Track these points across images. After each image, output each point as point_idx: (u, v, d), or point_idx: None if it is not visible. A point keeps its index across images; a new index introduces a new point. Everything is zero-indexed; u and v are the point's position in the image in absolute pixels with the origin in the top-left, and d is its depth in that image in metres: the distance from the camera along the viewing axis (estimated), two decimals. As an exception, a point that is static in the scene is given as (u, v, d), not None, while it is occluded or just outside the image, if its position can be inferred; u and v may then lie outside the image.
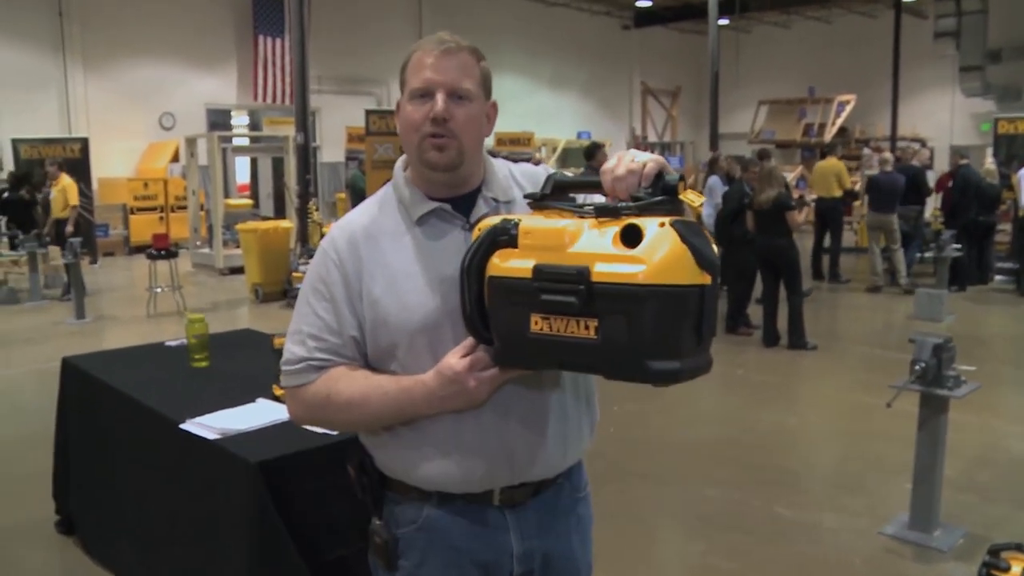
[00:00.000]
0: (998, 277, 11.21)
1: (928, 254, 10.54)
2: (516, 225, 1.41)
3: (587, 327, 1.31)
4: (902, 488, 4.45)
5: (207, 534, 2.85)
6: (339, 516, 2.78)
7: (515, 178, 1.72)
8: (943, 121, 20.42)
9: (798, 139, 19.39)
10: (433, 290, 1.58)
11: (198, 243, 13.86)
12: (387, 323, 1.58)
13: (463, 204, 1.65)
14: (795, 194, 7.97)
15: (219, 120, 18.01)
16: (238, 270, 11.85)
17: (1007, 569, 3.24)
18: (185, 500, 2.98)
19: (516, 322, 1.38)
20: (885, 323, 9.42)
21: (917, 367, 3.74)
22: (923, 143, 17.55)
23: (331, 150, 18.29)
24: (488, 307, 1.43)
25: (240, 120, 19.08)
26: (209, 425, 2.86)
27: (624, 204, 1.35)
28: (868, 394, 6.54)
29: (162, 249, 9.46)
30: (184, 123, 16.38)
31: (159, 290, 9.51)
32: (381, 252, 1.62)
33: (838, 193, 11.50)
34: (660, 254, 1.26)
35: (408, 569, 1.67)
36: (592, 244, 1.32)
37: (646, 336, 1.27)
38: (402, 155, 1.72)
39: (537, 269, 1.35)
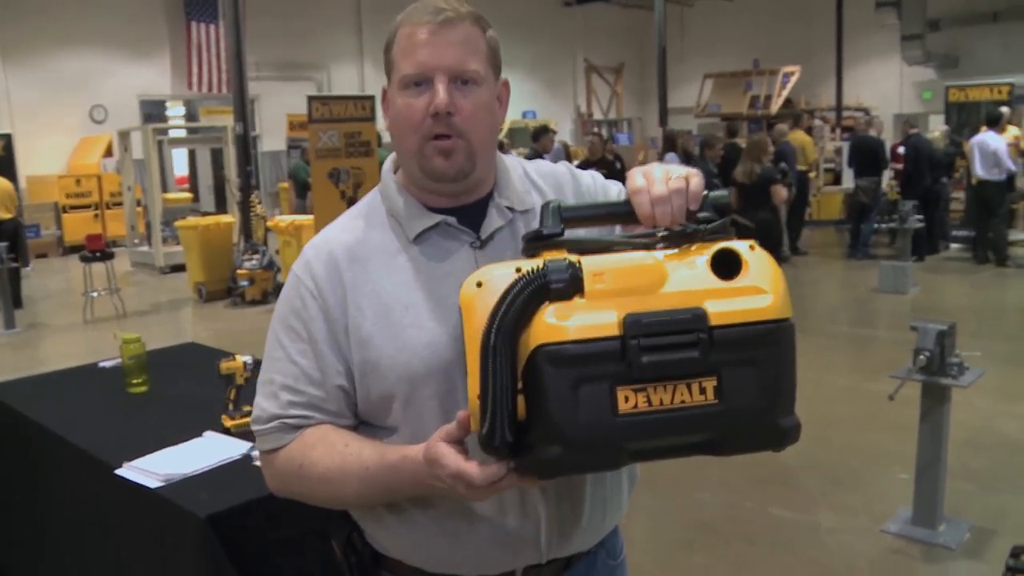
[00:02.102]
0: (953, 245, 11.17)
1: (885, 225, 10.43)
2: (576, 265, 0.99)
3: (703, 390, 0.96)
4: (897, 479, 4.24)
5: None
6: (307, 571, 2.44)
7: (532, 180, 1.36)
8: (887, 90, 20.44)
9: (744, 112, 19.24)
10: (439, 324, 1.22)
11: (136, 241, 13.24)
12: (379, 368, 1.22)
13: (471, 215, 1.29)
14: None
15: (153, 111, 17.24)
16: (180, 268, 11.33)
17: (1032, 571, 3.01)
18: (130, 557, 2.60)
19: (592, 407, 0.95)
20: (851, 297, 9.28)
21: (922, 356, 3.48)
22: (867, 112, 17.55)
23: (272, 139, 17.64)
24: (534, 396, 0.98)
25: (176, 111, 18.32)
26: (150, 470, 2.47)
27: (691, 228, 1.02)
28: (848, 377, 6.37)
29: (97, 251, 8.90)
30: (116, 116, 15.60)
31: (95, 294, 8.96)
32: (370, 277, 1.25)
33: (803, 166, 11.38)
34: (776, 281, 1.00)
35: None
36: (689, 279, 0.99)
37: (778, 387, 0.99)
38: (389, 155, 1.36)
39: (632, 321, 0.95)
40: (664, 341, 0.95)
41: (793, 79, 19.32)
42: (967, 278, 9.66)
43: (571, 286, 0.97)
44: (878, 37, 19.84)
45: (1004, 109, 10.60)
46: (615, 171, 7.87)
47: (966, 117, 12.08)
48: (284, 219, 9.88)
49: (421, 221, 1.27)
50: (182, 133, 17.53)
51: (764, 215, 7.30)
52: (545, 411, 0.96)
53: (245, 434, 2.73)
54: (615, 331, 0.95)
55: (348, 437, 1.26)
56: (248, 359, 2.81)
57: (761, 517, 3.88)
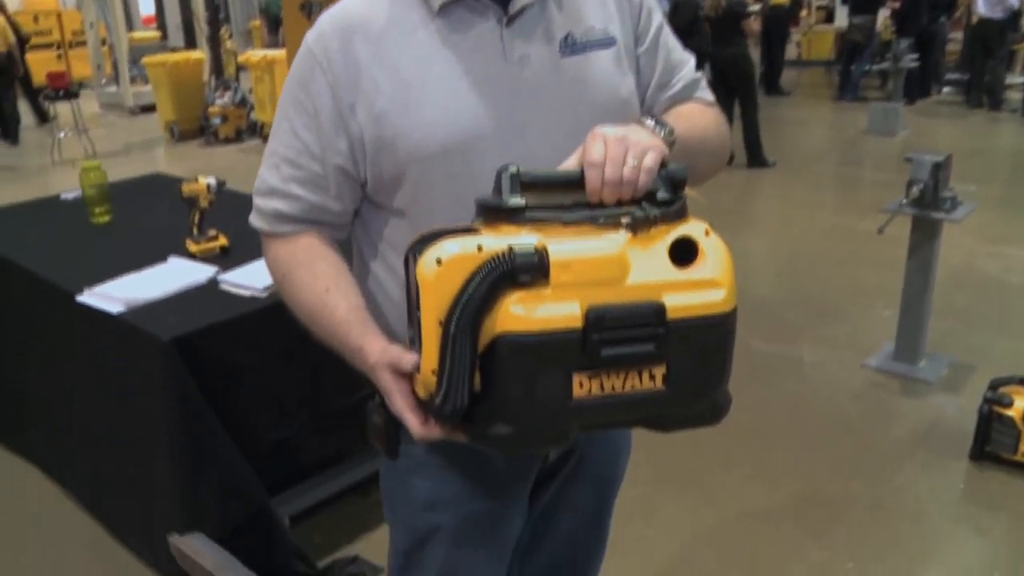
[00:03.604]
0: (946, 89, 10.90)
1: (877, 66, 10.12)
2: (544, 254, 0.96)
3: (652, 377, 1.01)
4: (881, 315, 4.23)
5: (124, 423, 2.44)
6: (277, 394, 2.40)
7: None
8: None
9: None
10: (458, 102, 1.15)
11: (104, 81, 12.74)
12: (394, 145, 1.16)
13: None
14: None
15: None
16: (150, 108, 10.94)
17: (1010, 404, 3.01)
18: (94, 384, 2.54)
19: (548, 392, 0.98)
20: (838, 138, 9.11)
21: (915, 189, 3.38)
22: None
23: (242, -27, 16.79)
24: (492, 378, 0.98)
25: (136, -58, 17.30)
26: (112, 295, 2.39)
27: (652, 214, 1.01)
28: (836, 214, 6.32)
29: (60, 89, 8.52)
30: (72, -54, 14.71)
31: (62, 135, 8.64)
32: (387, 51, 1.17)
33: (783, 0, 10.96)
34: (727, 271, 1.03)
35: (417, 457, 1.30)
36: (649, 270, 1.00)
37: (719, 371, 1.06)
38: None
39: (597, 315, 0.96)
40: (624, 335, 0.97)
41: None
42: (959, 122, 9.46)
43: (538, 276, 0.96)
44: None
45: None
46: None
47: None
48: (256, 54, 9.47)
49: None
50: (145, -34, 16.62)
51: (733, 49, 7.11)
52: (502, 394, 0.98)
53: (211, 259, 2.64)
54: (578, 323, 0.96)
55: (332, 278, 1.22)
56: (211, 180, 2.67)
57: (741, 348, 3.84)
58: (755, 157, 7.38)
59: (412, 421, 1.04)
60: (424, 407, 1.03)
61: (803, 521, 2.79)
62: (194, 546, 1.03)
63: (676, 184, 1.04)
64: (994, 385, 3.08)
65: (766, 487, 2.98)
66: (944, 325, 4.02)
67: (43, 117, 10.53)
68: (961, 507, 2.87)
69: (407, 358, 1.04)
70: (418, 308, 0.99)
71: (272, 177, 1.24)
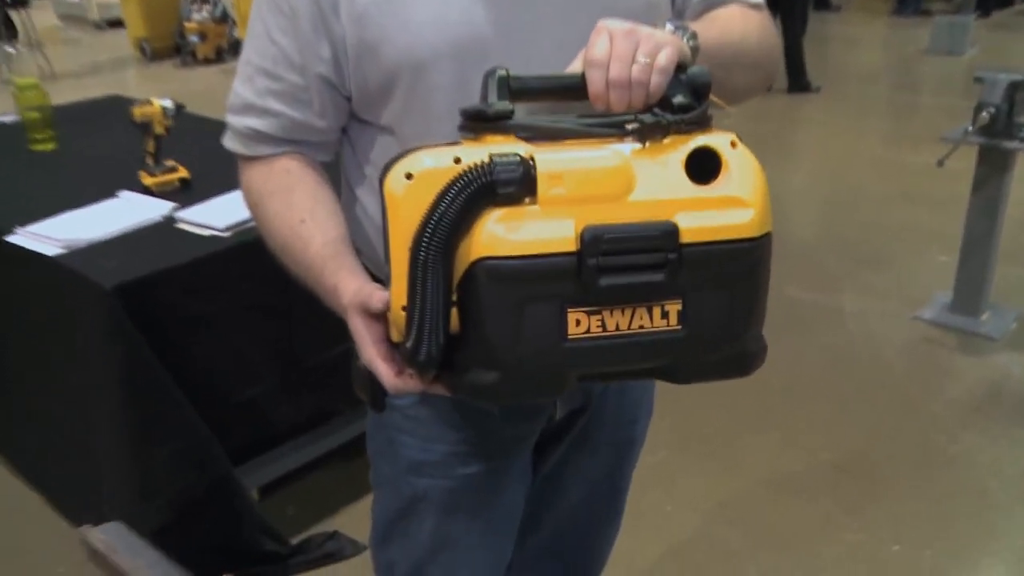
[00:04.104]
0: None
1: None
2: (529, 163, 0.89)
3: (665, 314, 0.93)
4: (935, 261, 4.14)
5: (66, 383, 2.39)
6: (243, 348, 2.34)
7: None
8: None
9: None
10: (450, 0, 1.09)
11: (64, -12, 12.55)
12: (379, 50, 1.10)
13: None
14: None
15: None
16: (118, 23, 10.78)
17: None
18: (32, 338, 2.49)
19: (538, 331, 0.92)
20: (895, 58, 8.95)
21: (984, 113, 3.24)
22: None
23: None
24: (471, 314, 0.92)
25: None
26: (50, 235, 2.32)
27: (665, 120, 0.93)
28: (886, 145, 6.18)
29: (4, -6, 8.35)
30: None
31: (12, 50, 8.47)
32: None
33: None
34: (758, 189, 0.95)
35: (404, 410, 1.27)
36: (659, 185, 0.92)
37: (748, 310, 0.98)
38: None
39: (592, 236, 0.89)
40: (627, 261, 0.90)
41: None
42: (1036, 38, 9.21)
43: (522, 188, 0.89)
44: None
45: None
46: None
47: None
48: (236, -39, 9.29)
49: None
50: None
51: None
52: (483, 333, 0.92)
53: (168, 194, 2.57)
54: (571, 246, 0.90)
55: (309, 207, 1.17)
56: (167, 103, 2.59)
57: (773, 296, 3.74)
58: (796, 81, 7.25)
59: (384, 371, 0.99)
60: (399, 354, 0.98)
61: (840, 495, 2.73)
62: (108, 541, 0.94)
63: (698, 89, 0.96)
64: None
65: (798, 455, 2.92)
66: (1012, 273, 3.95)
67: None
68: (1027, 483, 2.81)
69: (377, 295, 0.98)
70: (387, 234, 0.93)
71: (246, 91, 1.19)
